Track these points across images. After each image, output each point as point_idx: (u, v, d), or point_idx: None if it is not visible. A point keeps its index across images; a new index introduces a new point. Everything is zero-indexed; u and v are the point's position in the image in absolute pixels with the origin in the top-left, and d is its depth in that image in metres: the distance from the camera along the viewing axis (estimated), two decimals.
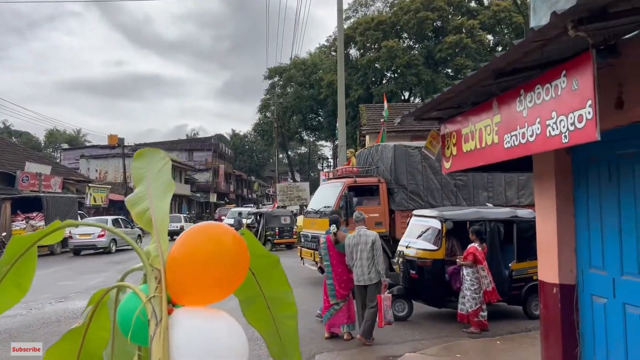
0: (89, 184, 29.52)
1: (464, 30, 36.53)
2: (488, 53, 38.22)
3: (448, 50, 36.05)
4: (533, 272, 7.42)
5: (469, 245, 6.87)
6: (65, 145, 63.69)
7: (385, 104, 14.57)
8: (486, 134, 3.94)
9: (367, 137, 23.87)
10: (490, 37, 38.69)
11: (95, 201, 29.73)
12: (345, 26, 36.32)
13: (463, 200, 12.26)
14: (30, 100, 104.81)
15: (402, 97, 37.76)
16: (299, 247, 13.29)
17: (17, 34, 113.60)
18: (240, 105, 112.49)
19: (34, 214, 21.12)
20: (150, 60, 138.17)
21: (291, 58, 44.34)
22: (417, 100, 36.90)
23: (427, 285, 7.30)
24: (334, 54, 43.14)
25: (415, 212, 8.38)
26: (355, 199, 11.70)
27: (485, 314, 6.90)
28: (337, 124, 21.64)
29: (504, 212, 7.72)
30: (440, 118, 5.14)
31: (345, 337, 6.88)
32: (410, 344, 6.70)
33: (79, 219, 23.02)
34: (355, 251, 6.66)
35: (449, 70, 38.78)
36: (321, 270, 7.47)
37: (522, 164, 4.42)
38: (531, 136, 3.39)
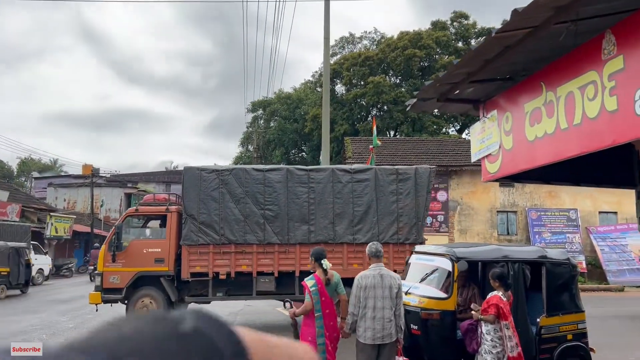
0: (51, 213, 27.30)
1: None
2: None
3: None
4: (567, 329, 5.80)
5: (491, 294, 5.19)
6: (36, 174, 61.29)
7: (374, 130, 13.13)
8: (587, 98, 2.36)
9: None
10: None
11: (57, 232, 27.47)
12: (332, 61, 35.57)
13: (274, 234, 10.13)
14: (13, 130, 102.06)
15: (387, 135, 36.73)
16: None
17: (5, 65, 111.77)
18: (225, 142, 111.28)
19: None
20: (138, 96, 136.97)
21: (275, 92, 43.41)
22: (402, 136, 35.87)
23: (433, 345, 5.56)
24: (319, 89, 42.39)
25: (417, 248, 6.72)
26: (142, 230, 10.61)
27: None
28: (321, 156, 20.22)
29: (530, 251, 6.12)
30: (474, 100, 3.57)
31: None
32: None
33: (32, 250, 20.83)
34: (370, 297, 4.86)
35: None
36: (294, 325, 5.61)
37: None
38: None
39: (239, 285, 10.35)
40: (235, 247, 10.17)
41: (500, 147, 3.27)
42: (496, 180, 3.81)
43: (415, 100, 3.75)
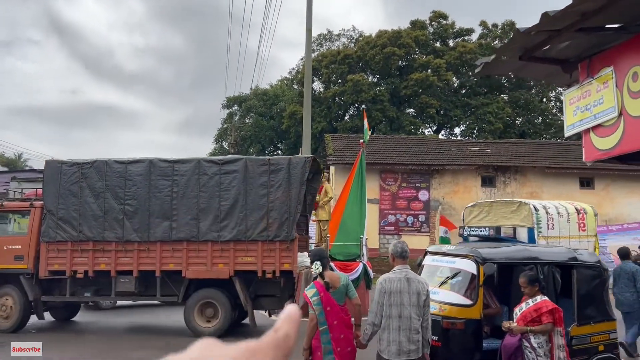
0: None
1: (430, 69, 35.82)
2: (452, 94, 37.66)
3: (414, 87, 35.12)
4: (598, 340, 5.26)
5: (538, 299, 4.53)
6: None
7: (366, 123, 12.48)
8: None
9: (333, 168, 21.75)
10: (454, 78, 38.13)
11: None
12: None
13: (134, 231, 9.59)
14: None
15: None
16: None
17: None
18: (200, 140, 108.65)
19: None
20: (107, 91, 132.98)
21: (251, 88, 42.47)
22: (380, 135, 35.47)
23: (456, 358, 4.93)
24: (296, 86, 41.67)
25: (431, 248, 6.06)
26: (4, 226, 10.14)
27: None
28: (301, 153, 19.55)
29: (560, 253, 5.54)
30: (563, 61, 2.88)
31: None
32: None
33: None
34: (395, 304, 4.15)
35: (412, 110, 37.89)
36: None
37: None
38: None
39: (101, 285, 9.92)
40: (93, 245, 9.71)
41: (621, 114, 2.63)
42: (610, 160, 3.10)
43: (492, 57, 3.06)
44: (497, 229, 8.68)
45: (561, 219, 9.06)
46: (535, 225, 8.66)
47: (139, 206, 9.68)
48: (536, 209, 8.82)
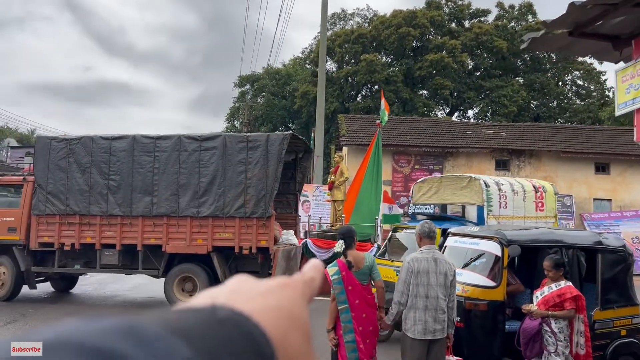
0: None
1: (445, 50, 35.33)
2: (467, 75, 37.17)
3: (428, 69, 34.73)
4: (621, 324, 5.24)
5: (562, 284, 4.51)
6: (14, 142, 59.22)
7: (383, 102, 12.34)
8: None
9: (346, 148, 21.68)
10: (469, 60, 37.55)
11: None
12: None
13: (117, 206, 9.89)
14: None
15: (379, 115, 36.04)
16: None
17: None
18: (212, 119, 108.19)
19: None
20: (120, 68, 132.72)
21: (263, 67, 42.22)
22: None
23: (477, 339, 4.93)
24: (308, 66, 41.33)
25: (454, 229, 6.03)
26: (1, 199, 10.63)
27: None
28: (314, 133, 19.48)
29: (585, 236, 5.50)
30: (614, 37, 2.80)
31: None
32: None
33: None
34: (422, 284, 4.17)
35: (425, 92, 37.51)
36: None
37: None
38: None
39: (88, 258, 10.30)
40: (80, 218, 10.05)
41: None
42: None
43: (541, 32, 2.97)
44: (443, 207, 8.22)
45: (516, 197, 8.18)
46: (486, 203, 7.82)
47: (122, 181, 9.92)
48: (487, 185, 7.97)
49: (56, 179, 10.14)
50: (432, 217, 7.34)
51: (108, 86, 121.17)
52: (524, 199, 8.28)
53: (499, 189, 8.02)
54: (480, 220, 7.71)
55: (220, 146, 9.56)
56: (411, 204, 8.62)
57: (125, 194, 9.86)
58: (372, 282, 4.49)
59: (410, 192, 9.14)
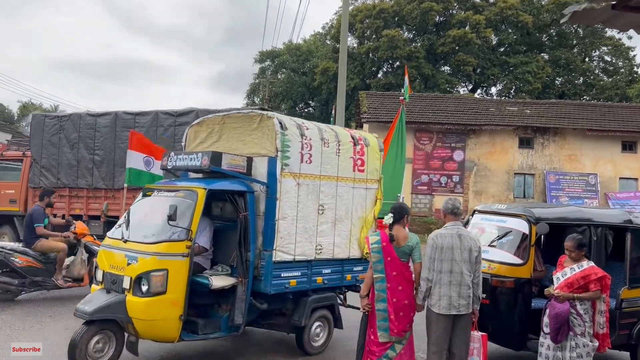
0: None
1: (468, 26, 34.61)
2: (490, 51, 36.40)
3: (451, 45, 34.11)
4: None
5: (585, 265, 4.47)
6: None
7: (407, 80, 12.22)
8: None
9: (367, 125, 21.57)
10: (493, 35, 36.70)
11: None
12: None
13: (101, 179, 10.57)
14: (14, 75, 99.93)
15: (400, 91, 35.66)
16: None
17: (6, 10, 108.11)
18: (233, 96, 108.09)
19: None
20: (141, 45, 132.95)
21: (284, 43, 41.95)
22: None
23: (502, 317, 4.96)
24: (329, 42, 40.89)
25: (480, 207, 6.02)
26: (3, 172, 11.42)
27: None
28: (335, 109, 19.40)
29: (614, 215, 5.45)
30: None
31: None
32: None
33: None
34: (446, 259, 4.18)
35: (448, 68, 36.91)
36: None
37: None
38: None
39: None
40: (69, 191, 10.79)
41: None
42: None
43: (583, 5, 2.90)
44: (216, 157, 5.20)
45: (326, 149, 5.70)
46: (280, 154, 5.22)
47: (106, 156, 10.55)
48: (283, 127, 5.28)
49: (49, 153, 10.88)
50: (200, 171, 5.54)
51: (130, 63, 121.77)
52: (338, 153, 5.84)
53: (302, 135, 5.47)
54: (271, 178, 5.23)
55: (192, 121, 9.60)
56: (172, 154, 5.71)
57: (109, 168, 10.50)
58: (411, 263, 4.48)
59: (183, 138, 6.48)
